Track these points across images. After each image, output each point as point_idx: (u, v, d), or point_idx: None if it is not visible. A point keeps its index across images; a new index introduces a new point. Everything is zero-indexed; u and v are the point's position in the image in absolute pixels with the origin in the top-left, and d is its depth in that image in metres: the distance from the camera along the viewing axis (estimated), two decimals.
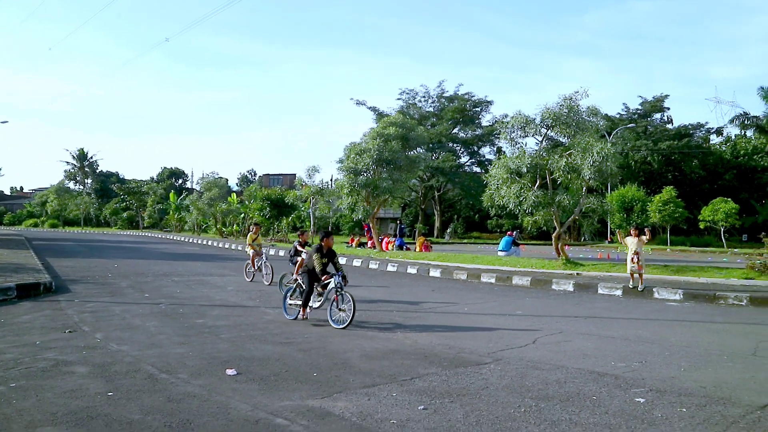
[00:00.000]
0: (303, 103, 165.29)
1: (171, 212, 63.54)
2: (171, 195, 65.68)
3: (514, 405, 5.36)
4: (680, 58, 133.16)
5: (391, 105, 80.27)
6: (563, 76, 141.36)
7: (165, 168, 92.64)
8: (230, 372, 6.38)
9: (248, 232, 17.37)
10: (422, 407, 5.26)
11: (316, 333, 8.89)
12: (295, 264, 13.08)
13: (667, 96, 66.27)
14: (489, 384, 6.09)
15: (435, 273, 19.19)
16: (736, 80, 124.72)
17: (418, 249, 29.63)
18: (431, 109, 65.07)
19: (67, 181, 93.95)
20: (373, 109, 62.69)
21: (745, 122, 51.06)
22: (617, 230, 14.38)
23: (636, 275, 14.33)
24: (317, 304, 10.07)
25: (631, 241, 14.42)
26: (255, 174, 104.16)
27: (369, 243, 32.70)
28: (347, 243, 36.50)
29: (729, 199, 42.67)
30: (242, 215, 48.54)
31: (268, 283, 15.37)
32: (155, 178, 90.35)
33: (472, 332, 9.17)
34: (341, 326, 9.19)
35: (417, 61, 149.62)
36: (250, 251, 16.56)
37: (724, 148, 68.24)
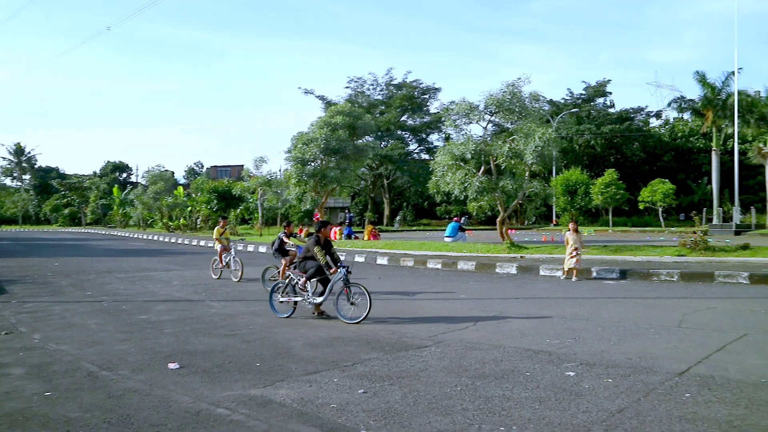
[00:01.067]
0: (251, 93, 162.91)
1: (115, 207, 62.11)
2: (115, 190, 64.16)
3: (451, 384, 5.55)
4: (622, 43, 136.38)
5: (339, 93, 79.79)
6: (511, 61, 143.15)
7: (108, 162, 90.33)
8: (172, 366, 6.39)
9: (216, 226, 16.46)
10: (362, 391, 5.40)
11: (261, 324, 8.94)
12: (280, 256, 12.68)
13: (609, 81, 67.92)
14: (428, 366, 6.28)
15: (382, 261, 19.38)
16: (675, 65, 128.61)
17: (366, 237, 29.79)
18: (380, 97, 65.19)
19: (3, 178, 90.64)
20: (322, 98, 62.48)
21: (682, 105, 52.79)
22: (571, 224, 14.15)
23: (573, 270, 14.16)
24: (320, 299, 9.40)
25: (572, 237, 14.20)
26: (202, 166, 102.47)
27: None
28: (296, 234, 36.38)
29: (666, 180, 44.18)
30: (189, 208, 47.82)
31: (237, 280, 14.65)
32: (98, 172, 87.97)
33: (415, 317, 9.38)
34: (354, 321, 8.75)
35: (366, 49, 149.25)
36: (217, 246, 15.70)
37: (663, 131, 70.55)
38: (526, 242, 23.94)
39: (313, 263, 9.47)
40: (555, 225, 50.78)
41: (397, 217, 59.45)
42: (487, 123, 19.96)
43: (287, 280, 9.82)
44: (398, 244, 24.00)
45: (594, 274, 14.37)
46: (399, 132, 64.83)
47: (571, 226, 14.57)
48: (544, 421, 4.51)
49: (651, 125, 71.06)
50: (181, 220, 48.43)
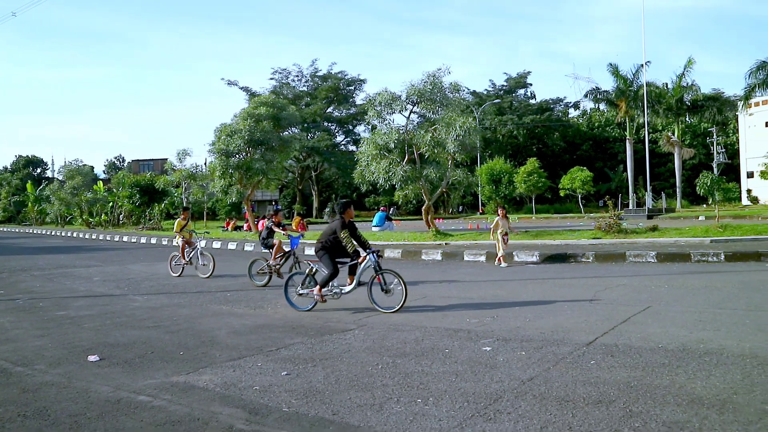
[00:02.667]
0: (173, 85, 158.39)
1: (30, 204, 59.30)
2: (28, 185, 61.26)
3: (373, 363, 5.72)
4: (542, 36, 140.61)
5: (264, 85, 78.92)
6: (435, 53, 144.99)
7: (20, 156, 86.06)
8: (92, 358, 6.28)
9: (177, 218, 15.23)
10: (285, 373, 5.49)
11: (185, 315, 8.86)
12: (268, 247, 12.25)
13: (529, 72, 69.94)
14: (351, 348, 6.42)
15: (310, 251, 19.37)
16: (592, 57, 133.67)
17: (294, 229, 29.67)
18: (305, 89, 64.84)
19: None
20: (246, 89, 61.64)
21: (598, 96, 55.01)
22: (500, 209, 14.41)
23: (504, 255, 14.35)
24: (348, 288, 8.79)
25: (502, 223, 14.40)
26: (123, 160, 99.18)
27: (245, 226, 32.32)
28: (223, 227, 35.89)
29: (584, 168, 46.00)
30: (111, 204, 46.25)
31: (206, 276, 13.50)
32: (9, 167, 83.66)
33: (340, 303, 9.48)
34: (391, 310, 8.31)
35: (290, 39, 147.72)
36: (179, 240, 14.59)
37: (581, 121, 73.31)
38: (453, 230, 24.49)
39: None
40: (481, 213, 52.02)
41: (326, 209, 59.36)
42: (410, 113, 20.28)
43: (308, 270, 8.99)
44: None
45: (516, 258, 14.89)
46: (326, 123, 64.75)
47: (500, 211, 14.83)
48: (459, 392, 4.73)
49: (570, 116, 73.71)
50: (103, 216, 46.79)
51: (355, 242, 8.61)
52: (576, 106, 72.53)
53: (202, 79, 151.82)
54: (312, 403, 4.60)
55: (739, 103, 48.31)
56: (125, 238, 31.51)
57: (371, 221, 33.26)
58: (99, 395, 5.03)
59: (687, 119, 55.84)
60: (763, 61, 39.47)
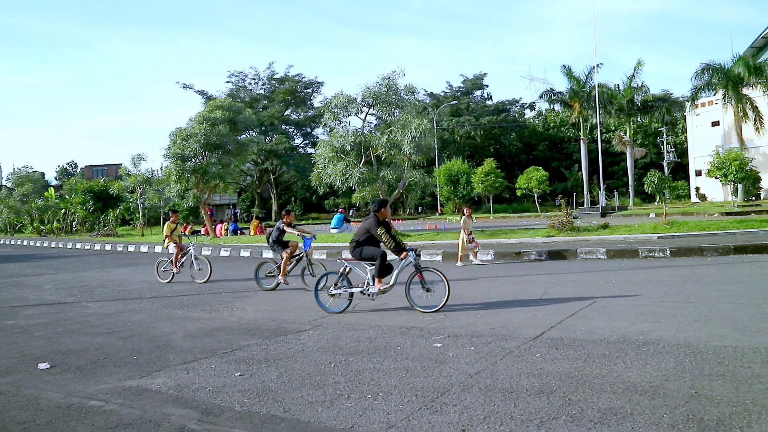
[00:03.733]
0: (128, 88, 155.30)
1: None
2: None
3: (326, 362, 5.82)
4: (498, 38, 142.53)
5: (220, 88, 78.12)
6: (393, 55, 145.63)
7: None
8: (43, 366, 6.23)
9: (166, 221, 14.26)
10: (239, 374, 5.55)
11: (140, 320, 8.81)
12: (280, 248, 11.60)
13: (485, 74, 70.82)
14: (306, 347, 6.52)
15: (268, 254, 19.34)
16: (547, 59, 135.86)
17: (252, 233, 29.53)
18: (262, 92, 64.42)
19: None
20: (202, 92, 60.95)
21: (552, 97, 56.01)
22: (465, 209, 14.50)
23: (470, 253, 14.45)
24: (380, 287, 8.49)
25: (468, 222, 14.46)
26: (76, 166, 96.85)
27: (203, 230, 32.01)
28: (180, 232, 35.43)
29: (540, 168, 46.76)
30: (63, 211, 45.20)
31: (203, 281, 13.06)
32: None
33: (295, 305, 9.58)
34: (432, 309, 8.05)
35: (246, 43, 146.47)
36: (170, 246, 13.78)
37: (537, 122, 74.53)
38: (411, 231, 24.73)
39: (373, 249, 8.56)
40: (440, 214, 52.44)
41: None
42: (366, 115, 20.45)
43: (342, 269, 8.72)
44: None
45: (471, 257, 15.12)
46: (283, 126, 64.46)
47: (465, 211, 14.84)
48: (408, 387, 4.88)
49: (526, 116, 74.87)
50: (55, 224, 45.68)
51: (393, 240, 8.32)
52: (532, 107, 73.74)
53: (157, 83, 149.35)
54: (264, 402, 4.69)
55: (686, 103, 49.89)
56: (78, 246, 30.85)
57: (330, 223, 33.25)
58: (49, 402, 5.01)
59: (638, 119, 57.31)
60: (707, 64, 40.84)
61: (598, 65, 48.95)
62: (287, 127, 65.35)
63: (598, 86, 47.32)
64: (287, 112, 64.91)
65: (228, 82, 63.50)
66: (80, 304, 10.94)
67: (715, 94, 44.65)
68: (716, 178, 33.16)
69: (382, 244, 8.52)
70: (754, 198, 42.13)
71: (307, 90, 64.79)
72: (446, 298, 8.07)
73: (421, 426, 4.02)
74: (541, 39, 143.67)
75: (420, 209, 63.24)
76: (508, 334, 6.62)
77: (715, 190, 44.68)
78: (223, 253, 21.18)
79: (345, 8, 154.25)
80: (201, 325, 8.22)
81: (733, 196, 37.34)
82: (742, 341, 5.71)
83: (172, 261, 13.61)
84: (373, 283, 8.51)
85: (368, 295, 8.58)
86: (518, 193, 48.89)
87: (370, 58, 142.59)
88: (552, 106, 63.85)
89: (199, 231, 33.35)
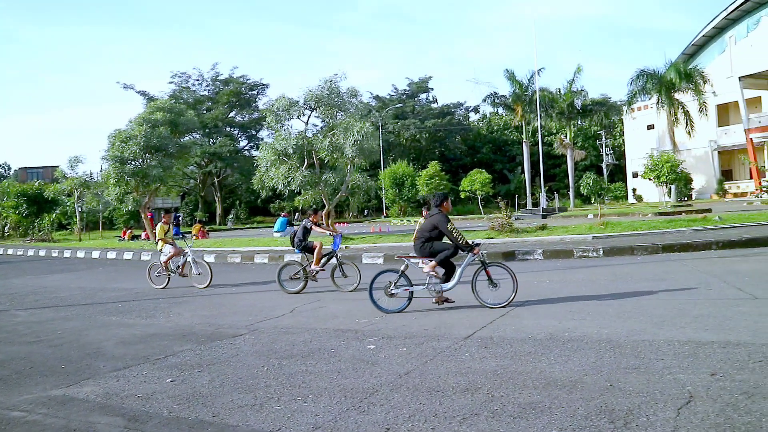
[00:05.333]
0: (65, 87, 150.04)
1: None
2: None
3: (259, 366, 5.84)
4: (445, 42, 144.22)
5: (163, 89, 76.47)
6: (339, 57, 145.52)
7: None
8: None
9: (159, 224, 13.54)
10: (170, 380, 5.52)
11: (71, 328, 8.60)
12: (306, 249, 11.20)
13: (431, 77, 71.66)
14: (240, 352, 6.51)
15: (209, 258, 19.08)
16: (492, 62, 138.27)
17: (194, 237, 29.08)
18: (206, 93, 63.51)
19: None
20: (143, 93, 59.66)
21: (496, 101, 57.12)
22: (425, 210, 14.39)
23: None
24: (449, 284, 8.27)
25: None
26: (9, 168, 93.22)
27: (143, 234, 31.35)
28: (119, 237, 34.63)
29: (483, 171, 47.56)
30: None
31: (203, 286, 12.37)
32: None
33: (234, 309, 9.53)
34: (500, 305, 7.98)
35: (190, 43, 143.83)
36: (165, 249, 13.04)
37: (481, 125, 75.67)
38: (356, 234, 24.78)
39: (444, 244, 8.33)
40: (386, 216, 52.70)
41: (230, 216, 58.37)
42: (308, 118, 20.42)
43: (402, 267, 8.41)
44: (227, 241, 23.77)
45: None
46: (228, 128, 63.67)
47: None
48: (338, 388, 4.95)
49: (471, 119, 75.99)
50: None
51: (461, 235, 8.11)
52: (476, 110, 75.00)
53: (96, 82, 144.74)
54: (193, 407, 4.68)
55: (624, 107, 51.63)
56: (11, 251, 29.79)
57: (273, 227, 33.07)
58: None
59: (579, 122, 58.99)
60: (642, 70, 42.38)
61: (539, 70, 50.04)
62: (232, 129, 64.57)
63: (540, 90, 48.48)
64: (232, 114, 64.17)
65: (171, 82, 62.45)
66: (9, 312, 10.61)
67: (650, 99, 46.38)
68: (650, 179, 34.42)
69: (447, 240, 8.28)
70: (686, 198, 43.92)
71: (252, 92, 64.23)
72: (514, 294, 8.05)
73: (347, 426, 4.10)
74: (486, 43, 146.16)
75: (366, 212, 63.41)
76: (441, 334, 6.76)
77: (651, 191, 46.37)
78: (163, 258, 20.76)
79: (292, 9, 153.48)
80: (135, 331, 8.10)
81: (667, 197, 38.82)
82: (658, 335, 6.00)
83: (163, 264, 12.97)
84: (449, 279, 8.34)
85: (433, 291, 8.32)
86: (462, 196, 49.59)
87: (318, 59, 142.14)
88: (496, 109, 65.17)
89: (139, 236, 32.68)
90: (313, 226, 11.43)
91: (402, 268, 8.40)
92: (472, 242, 8.22)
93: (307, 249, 11.26)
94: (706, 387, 4.38)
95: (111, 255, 23.21)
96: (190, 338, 7.39)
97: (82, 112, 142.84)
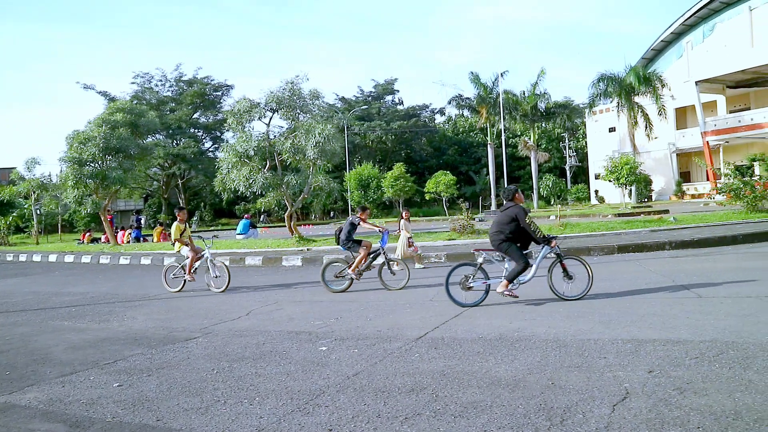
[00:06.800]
0: (20, 86, 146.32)
1: None
2: None
3: (209, 369, 5.81)
4: (410, 44, 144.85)
5: (125, 89, 75.33)
6: (305, 58, 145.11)
7: None
8: None
9: (175, 223, 12.45)
10: (117, 384, 5.46)
11: (20, 333, 8.42)
12: (354, 245, 11.00)
13: (396, 79, 71.85)
14: (191, 355, 6.47)
15: (169, 261, 18.88)
16: (457, 65, 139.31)
17: (156, 240, 28.69)
18: (170, 94, 62.68)
19: None
20: (104, 93, 58.52)
21: (461, 103, 57.45)
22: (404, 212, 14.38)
23: (417, 257, 14.22)
24: (527, 277, 8.27)
25: (406, 225, 14.26)
26: None
27: (103, 237, 30.80)
28: (78, 240, 33.98)
29: (448, 172, 47.83)
30: None
31: (221, 290, 11.67)
32: None
33: (190, 313, 9.45)
34: (577, 297, 8.09)
35: (153, 43, 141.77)
36: (183, 250, 12.16)
37: (446, 127, 76.16)
38: (320, 236, 24.71)
39: (526, 236, 8.26)
40: None
41: (194, 218, 57.64)
42: (270, 120, 20.34)
43: (480, 260, 8.40)
44: None
45: (375, 262, 15.31)
46: (192, 130, 62.94)
47: (404, 214, 14.60)
48: (286, 390, 4.96)
49: (436, 121, 76.42)
50: None
51: (539, 228, 8.12)
52: (442, 112, 75.45)
53: (55, 82, 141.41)
54: (138, 412, 4.64)
55: (586, 110, 52.52)
56: None
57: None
58: None
59: (542, 125, 59.77)
60: (603, 74, 43.18)
61: (503, 72, 50.54)
62: (195, 130, 63.84)
63: (504, 93, 49.04)
64: (196, 115, 63.45)
65: (133, 83, 61.44)
66: None
67: (611, 102, 47.22)
68: (610, 181, 35.07)
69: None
70: (646, 200, 44.88)
71: (217, 93, 63.61)
72: (589, 286, 8.16)
73: (290, 428, 4.12)
74: (452, 45, 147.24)
75: (332, 214, 63.31)
76: (393, 335, 6.81)
77: (613, 193, 47.24)
78: (123, 261, 20.48)
79: (256, 9, 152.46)
80: (87, 336, 7.97)
81: (628, 198, 39.59)
82: (604, 334, 6.14)
83: (184, 267, 12.06)
84: (529, 272, 8.29)
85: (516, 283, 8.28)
86: (428, 197, 49.80)
87: (283, 60, 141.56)
88: (461, 111, 65.56)
89: (99, 239, 32.09)
90: (362, 223, 11.30)
91: (480, 261, 8.39)
92: (549, 236, 8.26)
93: (354, 247, 11.10)
94: (642, 384, 4.51)
95: (69, 258, 22.76)
96: (142, 342, 7.31)
97: (40, 113, 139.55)
